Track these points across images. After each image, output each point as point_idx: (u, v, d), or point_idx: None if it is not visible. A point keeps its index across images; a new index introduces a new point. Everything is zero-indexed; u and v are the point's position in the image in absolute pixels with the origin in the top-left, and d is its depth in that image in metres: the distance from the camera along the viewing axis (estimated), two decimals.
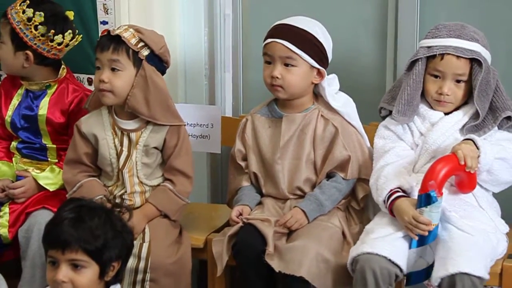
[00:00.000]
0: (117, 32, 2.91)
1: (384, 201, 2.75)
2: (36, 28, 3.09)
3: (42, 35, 3.10)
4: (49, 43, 3.11)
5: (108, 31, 2.93)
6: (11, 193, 3.09)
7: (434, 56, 2.78)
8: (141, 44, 2.93)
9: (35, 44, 3.11)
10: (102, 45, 2.92)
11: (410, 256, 2.70)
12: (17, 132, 3.22)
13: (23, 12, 3.08)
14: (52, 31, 3.10)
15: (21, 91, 3.23)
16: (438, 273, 2.58)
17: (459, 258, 2.57)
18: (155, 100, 2.93)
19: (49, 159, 3.22)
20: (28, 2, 3.09)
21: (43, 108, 3.18)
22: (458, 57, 2.75)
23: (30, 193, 3.11)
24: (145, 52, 2.93)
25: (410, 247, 2.69)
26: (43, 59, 3.15)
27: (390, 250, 2.63)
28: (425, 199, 2.61)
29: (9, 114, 3.22)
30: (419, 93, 2.83)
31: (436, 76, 2.79)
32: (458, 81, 2.78)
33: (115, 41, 2.90)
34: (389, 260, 2.61)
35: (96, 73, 2.94)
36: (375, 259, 2.61)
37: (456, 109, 2.82)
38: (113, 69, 2.91)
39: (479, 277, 2.55)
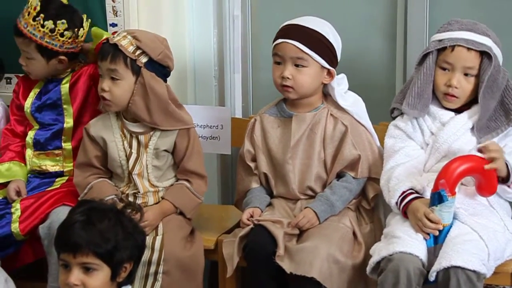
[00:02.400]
0: (115, 40, 2.93)
1: (397, 203, 2.74)
2: (62, 35, 3.14)
3: (69, 38, 3.16)
4: (76, 40, 3.18)
5: (107, 39, 2.95)
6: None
7: (444, 49, 2.77)
8: (139, 51, 2.94)
9: (66, 48, 3.17)
10: (102, 54, 2.94)
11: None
12: (40, 112, 3.24)
13: (42, 26, 3.11)
14: (76, 29, 3.16)
15: (41, 83, 3.28)
16: (433, 268, 2.57)
17: (452, 252, 2.55)
18: (155, 107, 2.95)
19: (63, 145, 3.23)
20: (38, 12, 3.11)
21: (65, 82, 3.23)
22: (468, 49, 2.74)
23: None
24: (143, 59, 2.94)
25: (427, 245, 2.66)
26: (72, 55, 3.23)
27: (421, 251, 2.61)
28: (436, 198, 2.60)
29: (29, 99, 3.26)
30: (430, 87, 2.82)
31: (445, 69, 2.78)
32: (467, 75, 2.76)
33: (113, 49, 2.92)
34: (421, 260, 2.59)
35: (99, 81, 2.98)
36: (409, 258, 2.57)
37: (467, 108, 2.81)
38: (112, 78, 2.93)
39: (474, 271, 2.52)
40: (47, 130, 3.26)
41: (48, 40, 3.14)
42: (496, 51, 2.77)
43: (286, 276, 2.74)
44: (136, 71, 2.93)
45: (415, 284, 2.57)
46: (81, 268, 2.30)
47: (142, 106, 2.94)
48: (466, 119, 2.79)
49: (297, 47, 2.89)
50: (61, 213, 2.97)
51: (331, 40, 2.93)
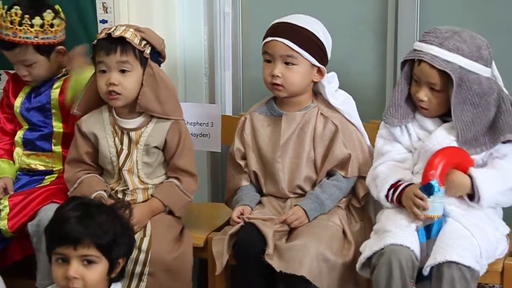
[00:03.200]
0: (118, 33, 2.90)
1: (387, 196, 2.74)
2: (52, 25, 3.15)
3: (58, 25, 3.18)
4: (63, 25, 3.21)
5: (109, 34, 2.92)
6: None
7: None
8: (144, 42, 2.93)
9: (59, 36, 3.19)
10: (107, 49, 2.90)
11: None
12: (29, 113, 3.23)
13: (32, 26, 3.11)
14: (59, 15, 3.18)
15: (33, 82, 3.27)
16: (427, 263, 2.57)
17: (447, 247, 2.55)
18: (165, 96, 2.95)
19: (53, 148, 3.23)
20: (21, 16, 3.10)
21: (56, 88, 3.22)
22: (431, 66, 2.69)
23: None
24: (148, 50, 2.94)
25: (420, 241, 2.66)
26: (64, 43, 3.23)
27: (413, 243, 2.61)
28: (427, 189, 2.61)
29: (19, 99, 3.25)
30: (405, 95, 2.81)
31: (416, 81, 2.77)
32: (433, 89, 2.73)
33: (120, 42, 2.89)
34: (412, 251, 2.59)
35: (100, 77, 2.93)
36: (400, 250, 2.57)
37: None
38: (122, 71, 2.90)
39: (468, 267, 2.53)
40: (36, 131, 3.25)
41: (42, 37, 3.14)
42: (471, 66, 2.68)
43: (276, 274, 2.74)
44: (143, 62, 2.93)
45: (409, 277, 2.57)
46: (81, 261, 2.29)
47: (152, 97, 2.93)
48: (449, 129, 2.76)
49: (287, 45, 2.89)
50: (50, 211, 2.95)
51: (321, 38, 2.93)
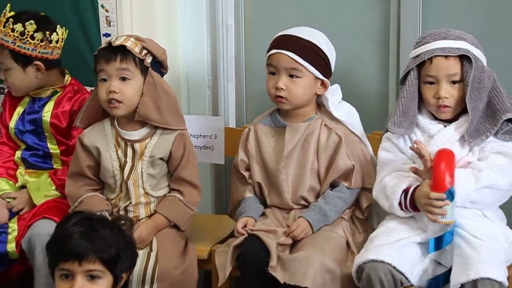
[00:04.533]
0: (118, 42, 2.91)
1: (400, 203, 2.73)
2: (32, 37, 3.13)
3: (41, 41, 3.14)
4: (49, 44, 3.17)
5: (109, 43, 2.93)
6: (8, 204, 3.13)
7: (424, 63, 2.76)
8: (145, 51, 2.94)
9: (39, 52, 3.15)
10: (107, 57, 2.91)
11: (428, 263, 2.69)
12: (22, 136, 3.24)
13: (12, 30, 3.11)
14: (47, 32, 3.15)
15: (26, 100, 3.27)
16: (458, 279, 2.57)
17: (479, 264, 2.55)
18: (165, 105, 2.94)
19: (54, 166, 3.23)
20: (7, 19, 3.11)
21: (48, 111, 3.21)
22: (446, 57, 2.72)
23: (24, 203, 3.13)
24: (149, 60, 2.94)
25: (428, 252, 2.68)
26: (50, 63, 3.20)
27: (395, 257, 2.62)
28: (448, 196, 2.61)
29: (13, 120, 3.25)
30: (414, 103, 2.81)
31: (431, 83, 2.78)
32: (453, 82, 2.75)
33: (120, 51, 2.90)
34: (394, 267, 2.60)
35: (101, 86, 2.93)
36: (380, 266, 2.60)
37: (456, 118, 2.80)
38: (122, 79, 2.91)
39: (500, 282, 2.53)
40: (34, 151, 3.25)
41: (20, 44, 3.13)
42: (476, 52, 2.75)
43: (279, 286, 2.74)
44: (143, 71, 2.93)
45: None
46: (85, 276, 2.28)
47: (152, 107, 2.93)
48: (453, 131, 2.78)
49: (292, 57, 2.89)
50: (41, 227, 2.97)
51: (325, 51, 2.93)
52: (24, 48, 3.13)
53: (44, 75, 3.20)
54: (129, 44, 2.91)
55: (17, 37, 3.11)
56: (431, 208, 2.62)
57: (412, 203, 2.71)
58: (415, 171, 2.72)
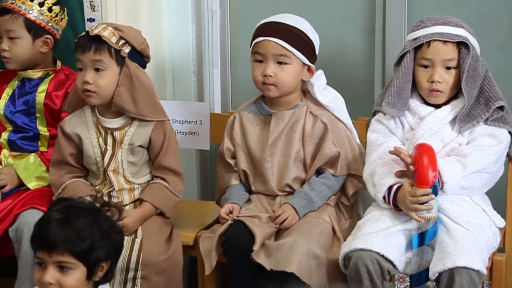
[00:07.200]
0: (96, 32, 2.90)
1: (384, 197, 2.74)
2: (50, 10, 3.15)
3: (56, 15, 3.16)
4: (60, 22, 3.19)
5: (87, 31, 2.92)
6: None
7: (421, 46, 2.78)
8: (122, 41, 2.92)
9: (52, 26, 3.17)
10: (83, 46, 2.90)
11: (412, 258, 2.70)
12: (13, 116, 3.21)
13: (32, 0, 3.11)
14: (66, 8, 3.19)
15: (14, 82, 3.25)
16: (435, 268, 2.58)
17: (456, 252, 2.56)
18: (141, 96, 2.93)
19: (39, 149, 3.22)
20: None
21: (42, 91, 3.20)
22: (445, 42, 2.75)
23: (8, 179, 3.10)
24: (126, 50, 2.92)
25: (412, 247, 2.68)
26: (55, 42, 3.21)
27: (382, 246, 2.63)
28: (433, 191, 2.62)
29: (2, 102, 3.23)
30: (409, 85, 2.82)
31: (425, 66, 2.79)
32: (448, 68, 2.77)
33: (95, 41, 2.89)
34: (382, 255, 2.61)
35: (78, 75, 2.93)
36: (367, 255, 2.61)
37: (446, 103, 2.82)
38: (96, 69, 2.90)
39: (477, 271, 2.54)
40: (21, 133, 3.23)
41: (36, 14, 3.13)
42: (472, 40, 2.78)
43: (265, 271, 2.74)
44: (120, 61, 2.91)
45: (381, 279, 2.60)
46: (57, 266, 2.27)
47: (127, 97, 2.91)
48: (444, 114, 2.80)
49: (280, 44, 2.88)
50: (29, 216, 2.95)
51: (310, 37, 2.93)
52: (40, 19, 3.14)
53: (47, 52, 3.20)
54: (106, 33, 2.89)
55: (36, 7, 3.12)
56: (417, 206, 2.63)
57: (395, 202, 2.72)
58: (400, 175, 2.73)
